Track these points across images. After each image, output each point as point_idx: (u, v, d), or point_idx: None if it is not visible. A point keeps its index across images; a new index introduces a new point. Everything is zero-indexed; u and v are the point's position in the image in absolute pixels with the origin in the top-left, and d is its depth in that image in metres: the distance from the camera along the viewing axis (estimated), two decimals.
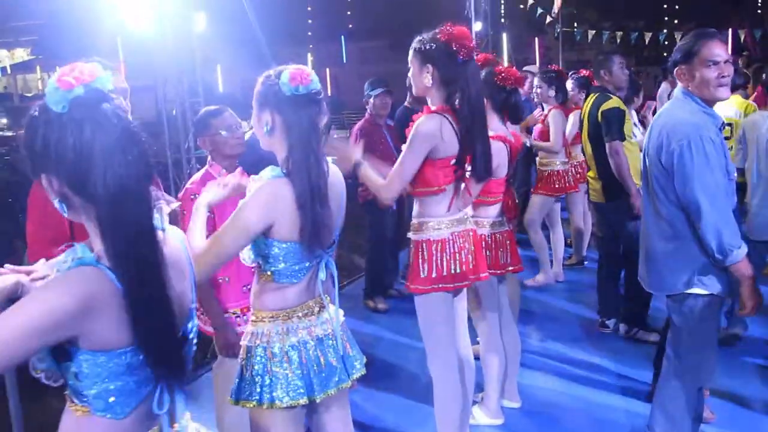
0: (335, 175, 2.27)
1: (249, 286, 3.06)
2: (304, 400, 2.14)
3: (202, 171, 3.12)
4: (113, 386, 1.38)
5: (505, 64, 15.35)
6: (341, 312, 2.34)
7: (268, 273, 2.16)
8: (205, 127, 3.08)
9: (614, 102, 4.55)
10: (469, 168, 2.96)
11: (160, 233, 1.42)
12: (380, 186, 2.91)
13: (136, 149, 1.35)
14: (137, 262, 1.34)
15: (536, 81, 5.89)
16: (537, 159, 6.06)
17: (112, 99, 1.35)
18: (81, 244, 1.38)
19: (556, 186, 5.85)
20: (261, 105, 2.17)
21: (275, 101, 2.12)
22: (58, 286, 1.30)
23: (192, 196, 2.92)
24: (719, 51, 2.74)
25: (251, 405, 2.15)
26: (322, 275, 2.22)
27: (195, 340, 1.59)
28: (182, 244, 1.60)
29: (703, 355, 2.86)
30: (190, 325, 1.56)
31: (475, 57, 2.87)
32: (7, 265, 1.49)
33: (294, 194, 2.07)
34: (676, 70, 2.84)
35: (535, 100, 6.10)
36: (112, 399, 1.38)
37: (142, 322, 1.35)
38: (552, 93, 5.74)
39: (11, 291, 1.40)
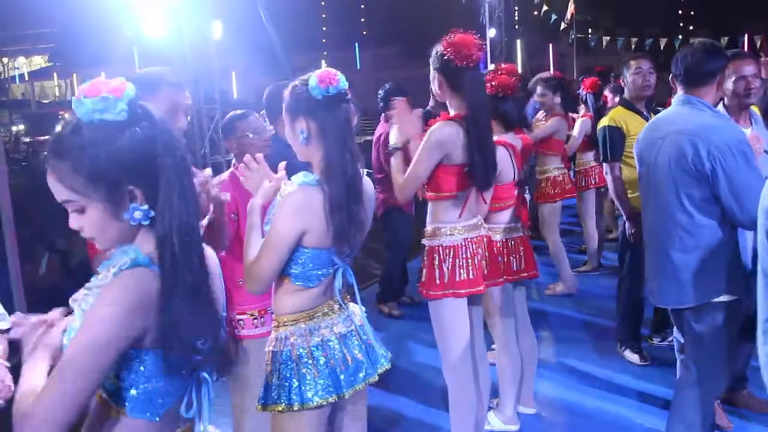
0: (367, 184, 2.29)
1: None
2: (333, 398, 2.14)
3: (227, 173, 3.17)
4: (152, 387, 1.39)
5: (519, 70, 15.35)
6: (363, 308, 2.35)
7: (285, 275, 2.18)
8: (232, 130, 3.14)
9: (606, 120, 4.45)
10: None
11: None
12: (398, 186, 2.95)
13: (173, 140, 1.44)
14: (189, 269, 1.40)
15: (539, 89, 5.82)
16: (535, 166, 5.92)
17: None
18: (133, 246, 1.41)
19: (554, 192, 5.77)
20: (293, 114, 2.17)
21: (307, 107, 2.13)
22: (117, 295, 1.32)
23: None
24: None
25: (280, 408, 2.14)
26: (338, 283, 2.23)
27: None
28: (213, 254, 1.64)
29: (723, 362, 2.85)
30: (221, 332, 1.56)
31: (471, 65, 2.85)
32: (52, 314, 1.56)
33: (328, 196, 2.08)
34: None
35: (539, 107, 6.07)
36: (151, 399, 1.40)
37: (176, 325, 1.36)
38: (558, 100, 5.73)
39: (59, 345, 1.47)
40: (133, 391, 1.39)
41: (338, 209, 2.08)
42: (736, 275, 2.77)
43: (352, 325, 2.26)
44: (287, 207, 2.09)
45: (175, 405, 1.46)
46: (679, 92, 2.94)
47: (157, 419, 1.42)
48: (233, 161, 3.21)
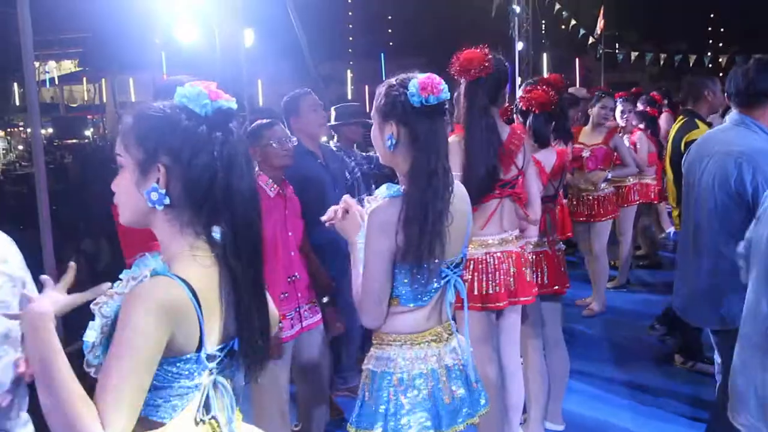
0: (460, 190, 2.15)
1: (286, 294, 3.06)
2: None
3: None
4: (163, 391, 1.39)
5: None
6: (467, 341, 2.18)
7: (394, 297, 2.01)
8: (257, 138, 3.13)
9: (699, 132, 4.19)
10: None
11: None
12: None
13: (249, 162, 1.52)
14: (253, 257, 1.51)
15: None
16: (579, 185, 5.68)
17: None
18: (153, 254, 1.43)
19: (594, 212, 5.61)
20: (384, 116, 2.02)
21: (402, 113, 1.97)
22: (142, 306, 1.32)
23: None
24: None
25: None
26: (450, 296, 2.08)
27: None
28: None
29: None
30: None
31: (468, 78, 2.87)
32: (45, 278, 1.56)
33: (405, 206, 1.93)
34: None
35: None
36: (159, 401, 1.40)
37: (245, 317, 1.47)
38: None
39: (61, 311, 1.47)
40: None
41: (415, 222, 1.91)
42: None
43: (458, 358, 2.08)
44: (374, 224, 1.95)
45: (189, 409, 1.44)
46: (734, 112, 2.83)
47: (167, 420, 1.42)
48: (256, 169, 3.21)
